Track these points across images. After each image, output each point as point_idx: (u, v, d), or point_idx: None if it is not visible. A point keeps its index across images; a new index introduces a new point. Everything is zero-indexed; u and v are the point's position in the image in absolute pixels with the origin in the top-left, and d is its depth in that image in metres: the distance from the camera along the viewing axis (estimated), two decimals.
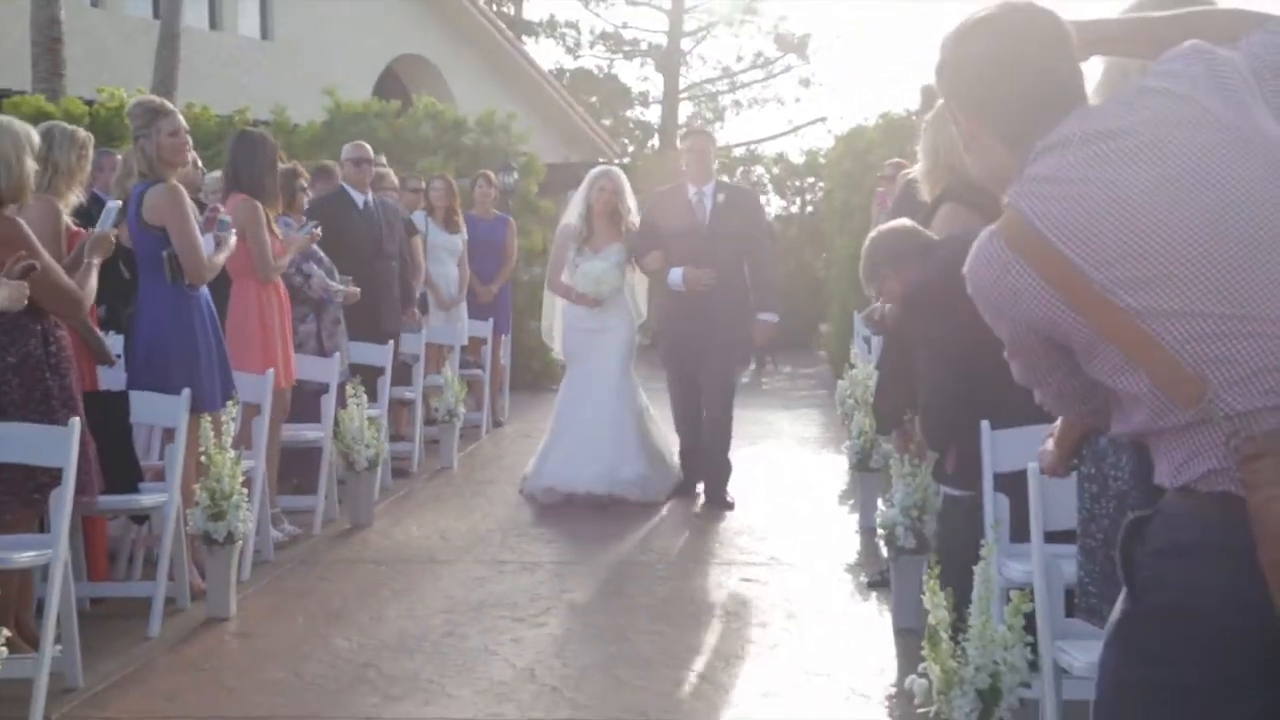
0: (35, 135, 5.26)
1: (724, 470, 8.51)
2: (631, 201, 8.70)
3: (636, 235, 8.49)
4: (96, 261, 5.43)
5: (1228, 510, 2.10)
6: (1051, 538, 4.05)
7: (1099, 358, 2.19)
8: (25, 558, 4.81)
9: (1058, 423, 3.27)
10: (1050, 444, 3.25)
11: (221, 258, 6.24)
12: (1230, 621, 2.12)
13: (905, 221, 5.52)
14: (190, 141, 6.25)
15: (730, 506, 8.30)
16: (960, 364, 4.75)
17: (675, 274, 8.27)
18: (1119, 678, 2.29)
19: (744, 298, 8.37)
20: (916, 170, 5.98)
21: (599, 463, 8.30)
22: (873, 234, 5.41)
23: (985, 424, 4.68)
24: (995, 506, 4.51)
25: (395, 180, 10.33)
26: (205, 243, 6.10)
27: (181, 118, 6.22)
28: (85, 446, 5.17)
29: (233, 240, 6.36)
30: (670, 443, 8.75)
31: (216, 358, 6.17)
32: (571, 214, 8.78)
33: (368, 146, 9.26)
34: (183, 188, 6.16)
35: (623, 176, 8.76)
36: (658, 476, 8.48)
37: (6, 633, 4.20)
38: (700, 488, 8.58)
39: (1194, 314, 2.10)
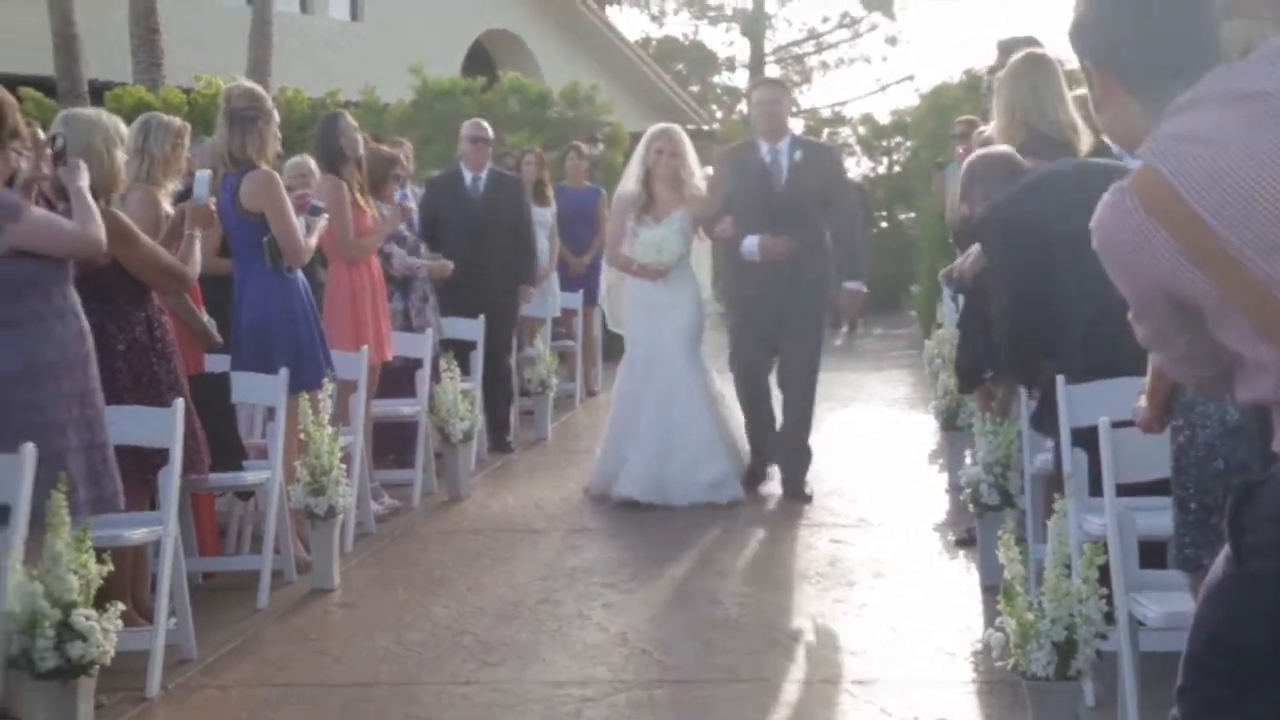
0: (123, 127, 5.48)
1: (804, 458, 7.76)
2: (695, 163, 7.79)
3: (703, 199, 7.66)
4: (198, 234, 5.63)
5: None
6: (1128, 490, 4.11)
7: (1229, 322, 2.16)
8: (138, 534, 5.05)
9: (1147, 379, 3.33)
10: (1143, 400, 3.31)
11: (313, 240, 6.43)
12: None
13: (1005, 148, 5.58)
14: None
15: (809, 499, 7.57)
16: (1024, 290, 4.88)
17: (749, 242, 7.45)
18: (1216, 636, 2.30)
19: (827, 266, 7.63)
20: (992, 128, 6.01)
21: (675, 465, 7.46)
22: (973, 155, 5.51)
23: (1060, 379, 4.75)
24: (1073, 461, 4.57)
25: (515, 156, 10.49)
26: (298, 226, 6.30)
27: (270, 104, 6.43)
28: (192, 427, 5.41)
29: (322, 223, 6.56)
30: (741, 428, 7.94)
31: (316, 338, 6.38)
32: (629, 179, 7.88)
33: (485, 125, 9.41)
34: (277, 175, 6.35)
35: (683, 135, 7.83)
36: (738, 472, 7.71)
37: (122, 607, 4.42)
38: (773, 471, 7.90)
39: None
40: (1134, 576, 3.89)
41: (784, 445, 7.77)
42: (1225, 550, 2.34)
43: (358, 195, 7.22)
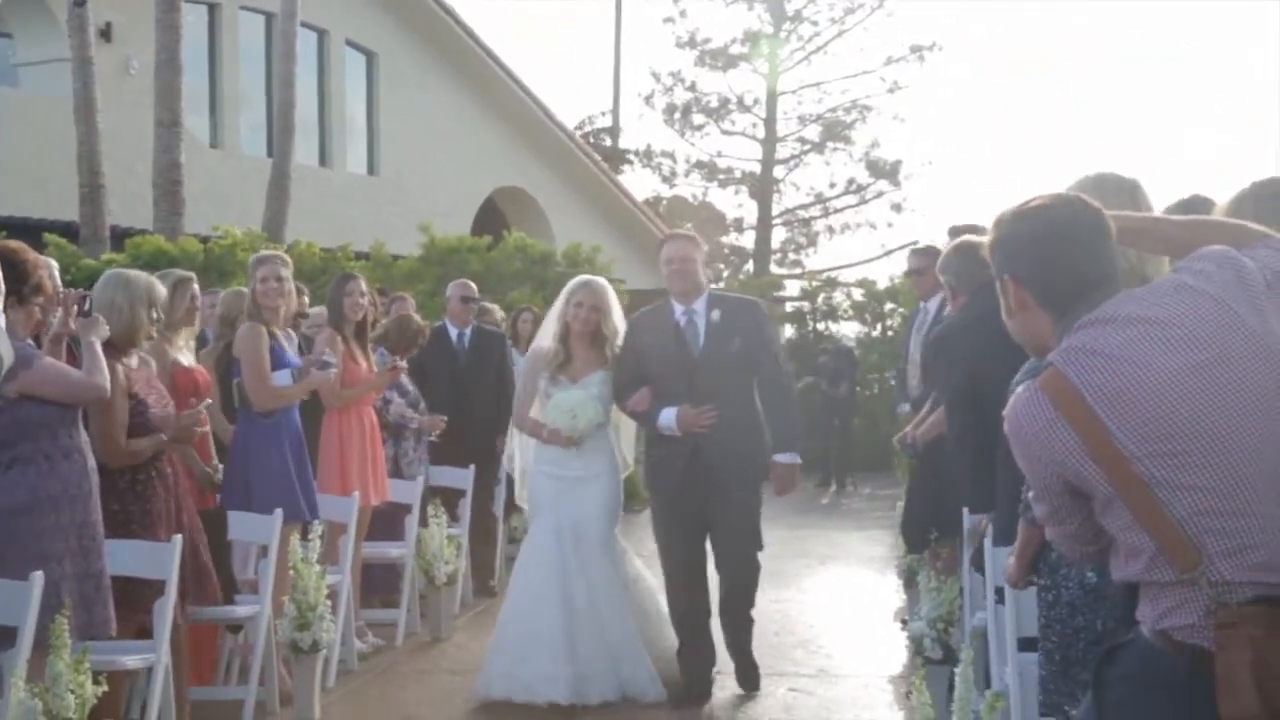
0: (158, 288, 6.02)
1: (747, 629, 7.01)
2: (619, 319, 7.08)
3: (616, 369, 6.93)
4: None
5: (1198, 661, 2.43)
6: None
7: (1113, 513, 2.51)
8: (133, 660, 5.44)
9: (1018, 540, 3.79)
10: (1012, 560, 3.77)
11: (296, 390, 6.88)
12: None
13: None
14: (284, 284, 6.94)
15: (756, 685, 6.93)
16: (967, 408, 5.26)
17: (666, 415, 6.71)
18: None
19: (758, 432, 6.81)
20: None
21: (594, 668, 6.59)
22: (962, 241, 5.94)
23: (988, 542, 5.16)
24: (995, 618, 4.96)
25: (499, 314, 11.08)
26: (279, 377, 6.79)
27: (277, 263, 6.96)
28: (202, 560, 5.94)
29: (326, 375, 7.03)
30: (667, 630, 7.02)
31: (294, 478, 6.80)
32: (545, 335, 7.13)
33: (472, 286, 10.06)
34: (262, 328, 6.86)
35: (607, 288, 7.06)
36: (662, 671, 6.79)
37: None
38: (716, 675, 7.01)
39: (1203, 490, 2.44)
40: None
41: (726, 622, 6.99)
42: (1087, 700, 2.73)
43: (354, 349, 7.74)
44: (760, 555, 7.01)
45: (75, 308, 5.35)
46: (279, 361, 6.85)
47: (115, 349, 5.69)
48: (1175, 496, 2.44)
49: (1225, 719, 2.38)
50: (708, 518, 6.80)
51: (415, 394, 8.78)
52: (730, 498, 6.73)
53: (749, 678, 6.99)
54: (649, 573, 7.25)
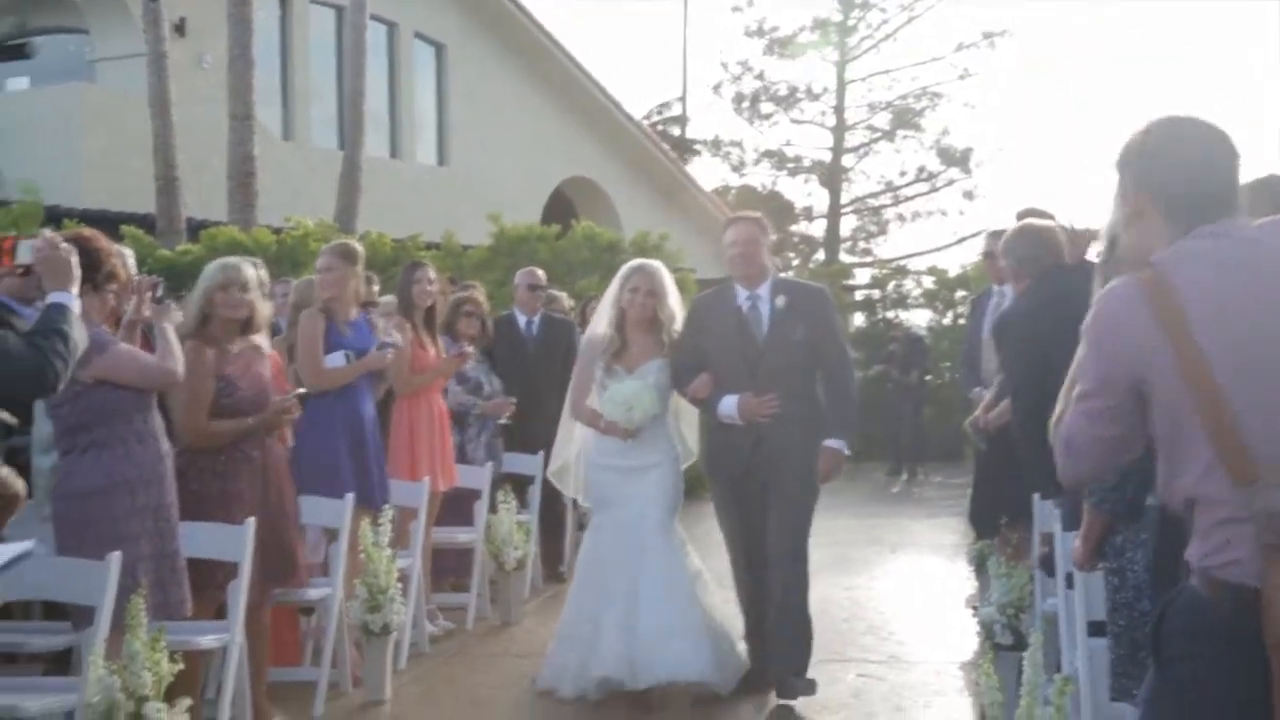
0: (265, 274, 6.16)
1: (806, 636, 6.56)
2: (676, 303, 6.86)
3: (675, 353, 6.70)
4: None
5: (1241, 600, 2.49)
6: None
7: (1173, 418, 2.57)
8: (207, 640, 5.53)
9: (1084, 523, 3.75)
10: (1078, 543, 3.74)
11: (349, 370, 6.87)
12: (1238, 698, 2.52)
13: (1055, 233, 6.04)
14: (330, 273, 7.00)
15: (811, 690, 6.47)
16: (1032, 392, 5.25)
17: (727, 403, 6.47)
18: None
19: (820, 425, 6.52)
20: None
21: (647, 647, 6.38)
22: (1026, 224, 5.90)
23: (1059, 528, 5.13)
24: (1065, 603, 4.93)
25: (568, 302, 11.11)
26: (332, 359, 6.85)
27: (330, 253, 7.04)
28: (288, 543, 6.04)
29: (382, 355, 7.00)
30: (732, 619, 6.83)
31: (345, 462, 6.82)
32: (600, 321, 6.93)
33: (540, 273, 10.08)
34: (319, 313, 6.95)
35: (662, 271, 6.82)
36: (722, 660, 6.53)
37: (189, 702, 4.87)
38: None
39: (1271, 412, 2.51)
40: (1102, 709, 4.22)
41: (780, 628, 6.51)
42: (1152, 664, 2.73)
43: (423, 336, 7.80)
44: (829, 547, 6.75)
45: (149, 295, 5.44)
46: (335, 345, 6.89)
47: (209, 334, 5.84)
48: (1246, 413, 2.49)
49: (1271, 646, 2.41)
50: (767, 507, 6.51)
51: (476, 380, 8.80)
52: (785, 491, 6.46)
53: (789, 685, 6.47)
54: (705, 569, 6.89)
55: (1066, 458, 2.76)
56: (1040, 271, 5.89)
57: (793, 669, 6.46)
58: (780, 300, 6.52)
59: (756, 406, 6.42)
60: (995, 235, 8.09)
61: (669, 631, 6.37)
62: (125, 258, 5.98)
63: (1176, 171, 2.68)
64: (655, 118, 37.32)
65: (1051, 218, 6.36)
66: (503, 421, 8.98)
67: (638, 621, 6.40)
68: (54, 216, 13.51)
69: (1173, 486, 2.62)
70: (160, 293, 5.53)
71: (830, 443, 6.47)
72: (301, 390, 6.51)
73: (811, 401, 6.56)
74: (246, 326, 6.02)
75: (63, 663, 5.67)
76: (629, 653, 6.35)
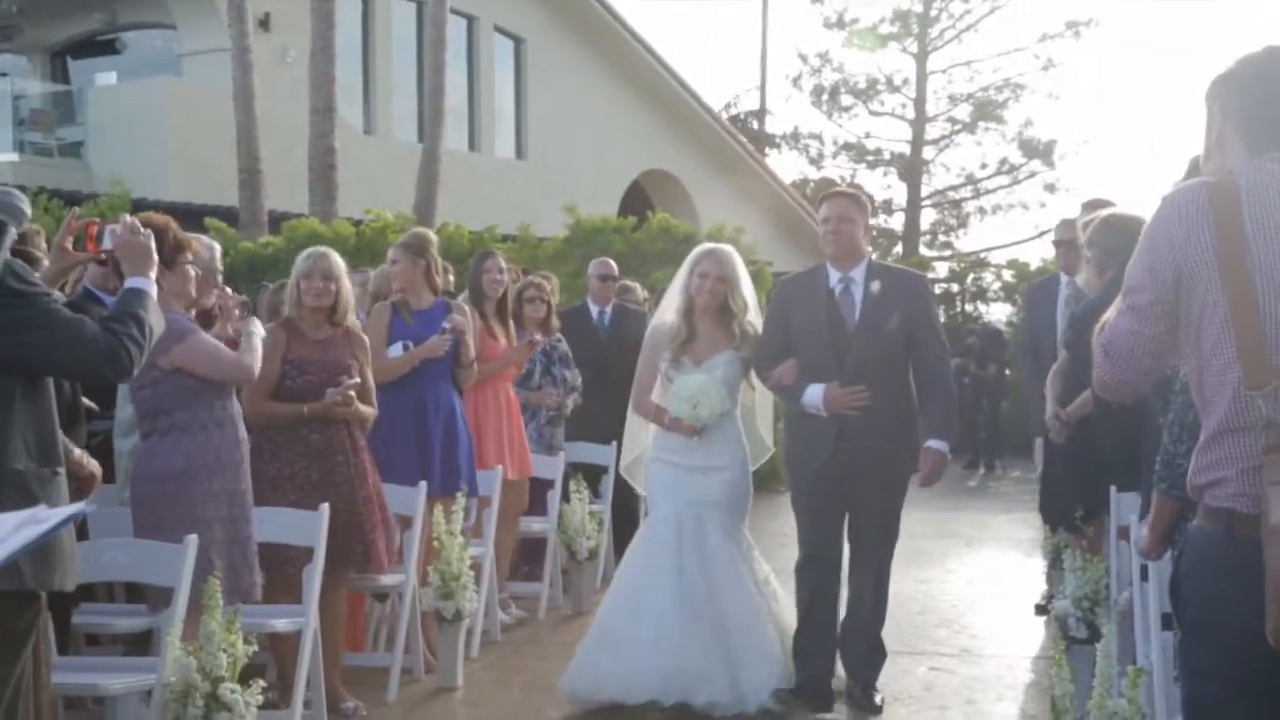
0: (336, 261, 6.26)
1: (876, 655, 6.23)
2: (749, 293, 6.40)
3: (759, 339, 6.26)
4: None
5: (1234, 526, 2.58)
6: None
7: (1207, 319, 2.65)
8: (282, 623, 5.62)
9: (1151, 510, 3.71)
10: (1145, 530, 3.70)
11: (401, 361, 6.85)
12: (1245, 628, 2.54)
13: (1141, 223, 5.94)
14: (401, 266, 7.06)
15: (878, 710, 6.09)
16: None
17: (812, 392, 5.98)
18: (1184, 694, 2.76)
19: (911, 420, 6.16)
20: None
21: (693, 656, 5.91)
22: (1111, 214, 5.76)
23: (1134, 517, 5.07)
24: (1139, 595, 4.88)
25: (641, 293, 11.13)
26: (392, 350, 6.89)
27: (399, 248, 7.12)
28: (366, 529, 6.09)
29: (434, 341, 6.91)
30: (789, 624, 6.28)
31: (418, 451, 6.86)
32: (667, 309, 6.46)
33: (611, 264, 10.10)
34: (386, 306, 7.05)
35: (734, 256, 6.34)
36: (787, 675, 6.07)
37: (263, 683, 4.96)
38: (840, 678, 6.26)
39: None
40: (1175, 701, 4.16)
41: (849, 641, 6.21)
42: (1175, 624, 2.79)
43: (493, 325, 7.86)
44: (903, 540, 6.29)
45: (236, 313, 5.59)
46: (397, 336, 6.95)
47: (290, 319, 6.04)
48: (1271, 321, 2.60)
49: (1271, 568, 2.46)
50: (846, 505, 6.11)
51: (542, 368, 8.77)
52: (871, 491, 6.04)
53: (860, 699, 6.14)
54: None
55: (1105, 361, 2.86)
56: (1125, 263, 5.78)
57: (867, 683, 6.18)
58: (875, 285, 6.07)
59: (843, 398, 5.95)
60: (1068, 223, 7.97)
61: (734, 655, 5.94)
62: (214, 251, 6.15)
63: (1259, 101, 2.76)
64: (733, 110, 37.24)
65: (1114, 206, 6.26)
66: (563, 412, 8.94)
67: (691, 640, 5.92)
68: (141, 209, 13.71)
69: (1215, 410, 2.68)
70: (245, 314, 5.69)
71: (933, 444, 6.07)
72: (355, 380, 6.20)
73: (903, 397, 6.10)
74: (332, 314, 6.11)
75: (144, 643, 5.78)
76: (680, 670, 5.90)
